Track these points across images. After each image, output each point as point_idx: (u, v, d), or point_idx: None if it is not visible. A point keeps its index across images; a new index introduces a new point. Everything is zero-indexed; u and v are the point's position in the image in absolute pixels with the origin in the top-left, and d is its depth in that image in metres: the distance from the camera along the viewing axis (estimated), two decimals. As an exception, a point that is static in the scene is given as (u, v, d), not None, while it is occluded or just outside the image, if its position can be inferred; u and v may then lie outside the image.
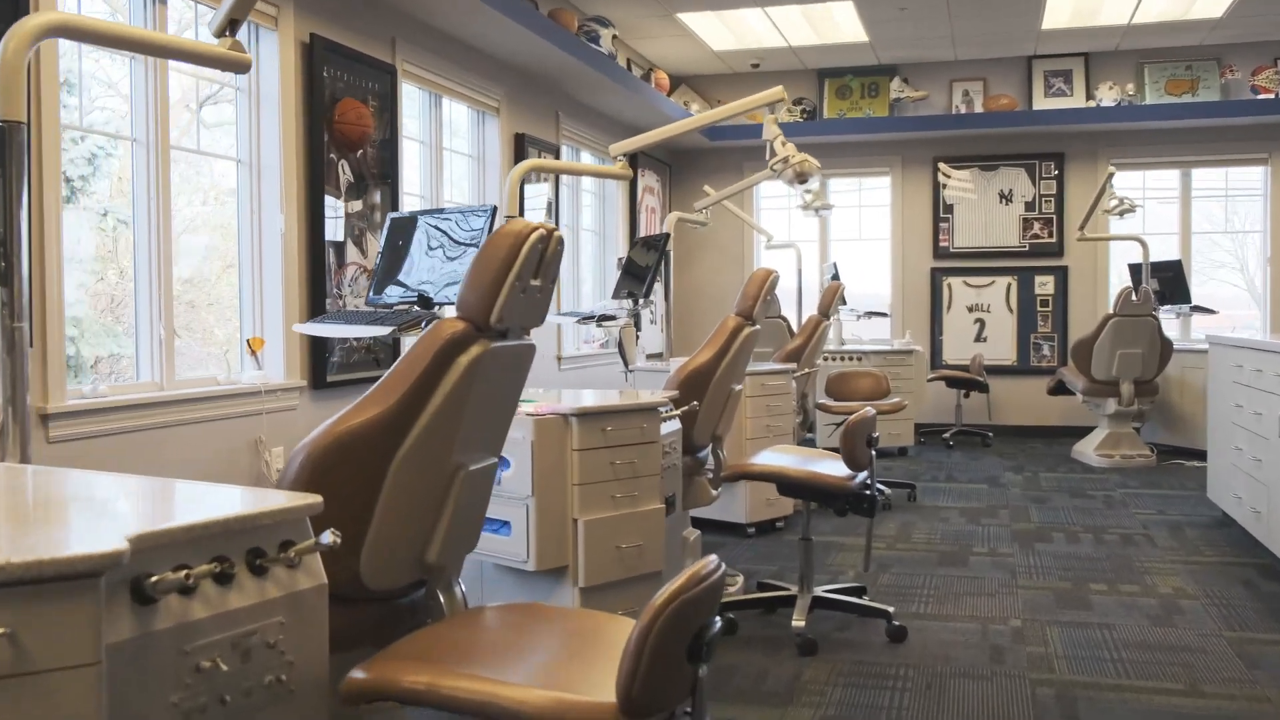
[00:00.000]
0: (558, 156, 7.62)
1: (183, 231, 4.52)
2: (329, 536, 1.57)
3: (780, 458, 3.94)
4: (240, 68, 2.47)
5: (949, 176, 9.85)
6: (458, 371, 1.96)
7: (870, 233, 10.27)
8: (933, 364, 9.90)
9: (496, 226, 3.74)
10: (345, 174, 5.12)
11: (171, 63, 4.26)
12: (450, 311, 2.28)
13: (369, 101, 5.31)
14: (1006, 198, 9.80)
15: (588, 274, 8.72)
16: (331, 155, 5.02)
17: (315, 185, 4.89)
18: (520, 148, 6.93)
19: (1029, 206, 9.77)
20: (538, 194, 7.65)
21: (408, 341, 4.12)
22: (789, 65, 9.94)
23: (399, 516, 1.96)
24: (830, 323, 6.43)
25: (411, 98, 6.14)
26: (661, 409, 3.66)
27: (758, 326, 4.31)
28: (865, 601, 3.95)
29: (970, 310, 9.92)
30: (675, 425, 3.89)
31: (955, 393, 9.47)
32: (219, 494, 1.66)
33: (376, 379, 5.23)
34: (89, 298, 4.15)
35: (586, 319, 5.75)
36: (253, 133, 4.73)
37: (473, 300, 2.01)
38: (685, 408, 3.85)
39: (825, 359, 8.39)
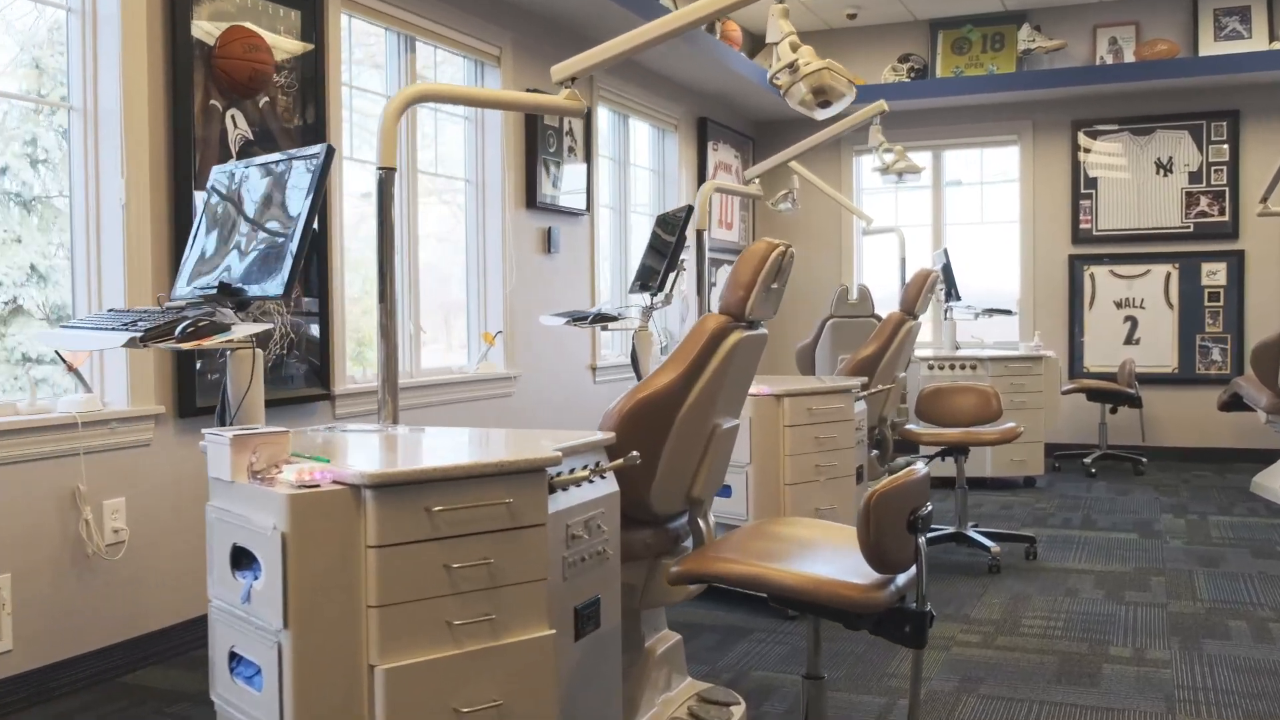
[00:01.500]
0: (590, 121, 6.23)
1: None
2: None
3: (773, 548, 2.46)
4: None
5: (1089, 151, 8.09)
6: None
7: (994, 214, 8.56)
8: (1070, 372, 8.14)
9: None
10: (238, 127, 3.84)
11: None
12: None
13: (279, 31, 4.02)
14: (1165, 168, 7.97)
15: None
16: (214, 102, 3.74)
17: (181, 141, 3.61)
18: (532, 107, 5.55)
19: (1194, 178, 7.91)
20: (576, 174, 6.29)
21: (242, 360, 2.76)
22: (894, 15, 8.33)
23: None
24: (918, 324, 4.87)
25: (370, 37, 4.84)
26: (560, 469, 2.23)
27: (761, 330, 2.83)
28: (913, 782, 2.43)
29: (1119, 306, 8.12)
30: (608, 488, 2.45)
31: (1099, 407, 7.70)
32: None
33: (283, 401, 3.79)
34: None
35: (577, 320, 4.35)
36: (87, 69, 3.48)
37: None
38: (622, 460, 2.41)
39: (930, 367, 6.79)
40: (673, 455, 2.66)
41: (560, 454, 2.15)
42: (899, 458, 6.34)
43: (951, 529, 4.88)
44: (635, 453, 2.40)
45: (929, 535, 4.95)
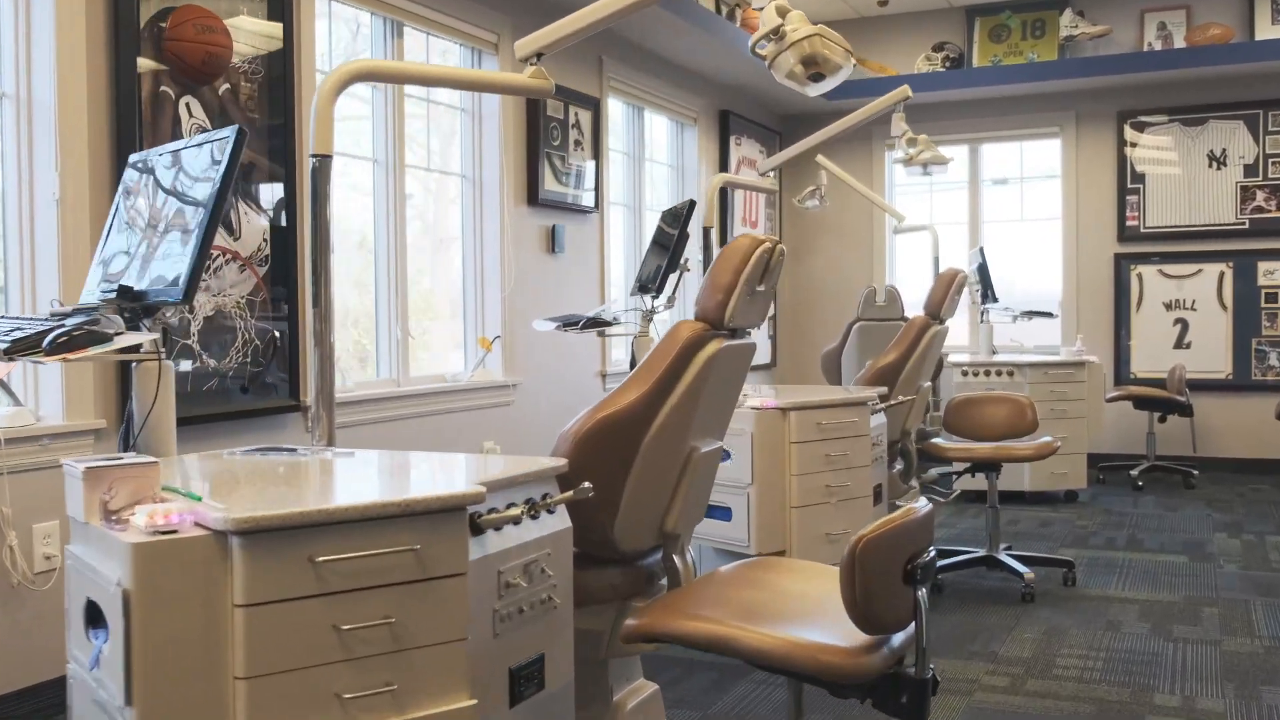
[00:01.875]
0: (598, 112, 5.88)
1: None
2: None
3: (752, 599, 2.10)
4: None
5: (1136, 145, 7.63)
6: None
7: (1035, 211, 8.11)
8: (1116, 378, 7.68)
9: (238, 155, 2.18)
10: (193, 116, 3.53)
11: None
12: None
13: (242, 12, 3.71)
14: (1218, 160, 7.48)
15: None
16: (165, 89, 3.44)
17: (125, 131, 3.31)
18: (535, 100, 5.22)
19: (1249, 171, 7.42)
20: (583, 169, 5.95)
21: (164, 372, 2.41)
22: (928, 2, 7.91)
23: None
24: (944, 328, 4.47)
25: (353, 22, 4.53)
26: (493, 505, 1.88)
27: (746, 340, 2.47)
28: None
29: (1168, 308, 7.64)
30: (557, 524, 2.10)
31: (1146, 416, 7.23)
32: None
33: (252, 413, 3.46)
34: None
35: (569, 325, 4.01)
36: (19, 50, 3.18)
37: None
38: (572, 493, 2.05)
39: (964, 373, 6.37)
40: (640, 484, 2.30)
41: (483, 489, 1.80)
42: (931, 469, 5.94)
43: (981, 552, 4.48)
44: (587, 484, 2.04)
45: (957, 559, 4.56)
